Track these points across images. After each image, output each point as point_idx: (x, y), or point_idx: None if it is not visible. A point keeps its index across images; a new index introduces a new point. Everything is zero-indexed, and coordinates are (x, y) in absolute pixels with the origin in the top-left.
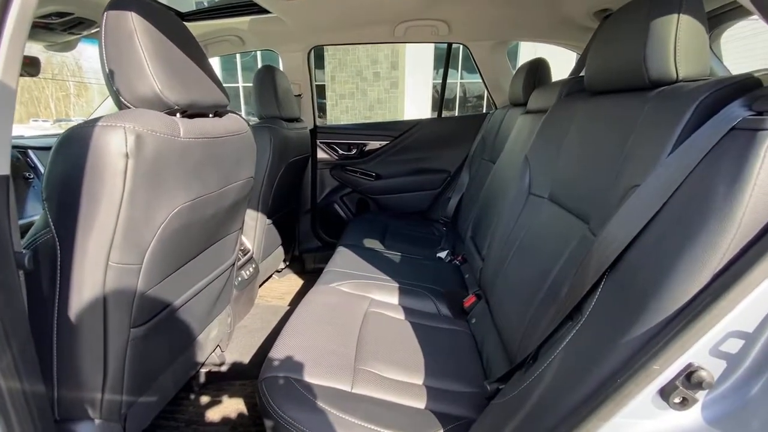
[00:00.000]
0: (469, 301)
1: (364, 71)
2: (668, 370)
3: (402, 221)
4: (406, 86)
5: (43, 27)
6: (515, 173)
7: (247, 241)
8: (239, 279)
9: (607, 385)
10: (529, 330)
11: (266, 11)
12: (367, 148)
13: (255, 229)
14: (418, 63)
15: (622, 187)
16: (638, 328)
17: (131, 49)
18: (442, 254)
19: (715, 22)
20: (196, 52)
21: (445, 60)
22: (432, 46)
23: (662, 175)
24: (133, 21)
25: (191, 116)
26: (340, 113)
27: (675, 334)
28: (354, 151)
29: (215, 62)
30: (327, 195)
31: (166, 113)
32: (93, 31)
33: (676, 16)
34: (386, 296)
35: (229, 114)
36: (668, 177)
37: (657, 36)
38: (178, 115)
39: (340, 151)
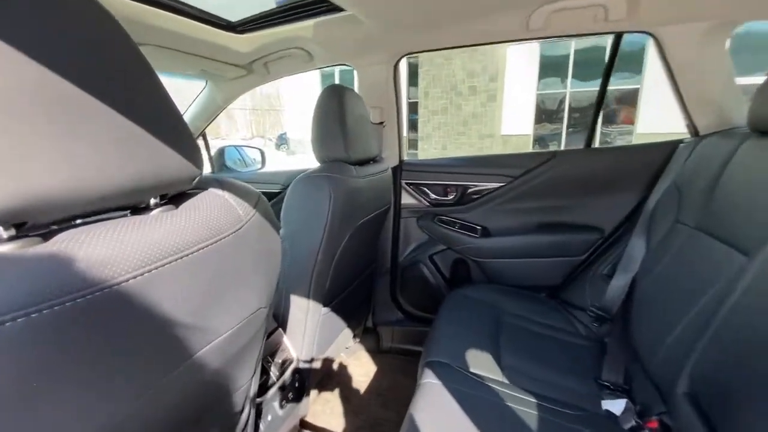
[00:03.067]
0: None
1: (459, 85)
2: None
3: (523, 304)
4: (504, 99)
5: None
6: None
7: (291, 346)
8: (269, 418)
9: None
10: None
11: (337, 9)
12: (471, 190)
13: (305, 325)
14: (520, 73)
15: None
16: None
17: None
18: (614, 407)
19: None
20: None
21: (607, 63)
22: (537, 53)
23: None
24: None
25: (57, 228)
26: (432, 129)
27: None
28: (452, 196)
29: (315, 80)
30: (412, 251)
31: None
32: None
33: None
34: None
35: (199, 197)
36: None
37: None
38: (3, 231)
39: (433, 195)
